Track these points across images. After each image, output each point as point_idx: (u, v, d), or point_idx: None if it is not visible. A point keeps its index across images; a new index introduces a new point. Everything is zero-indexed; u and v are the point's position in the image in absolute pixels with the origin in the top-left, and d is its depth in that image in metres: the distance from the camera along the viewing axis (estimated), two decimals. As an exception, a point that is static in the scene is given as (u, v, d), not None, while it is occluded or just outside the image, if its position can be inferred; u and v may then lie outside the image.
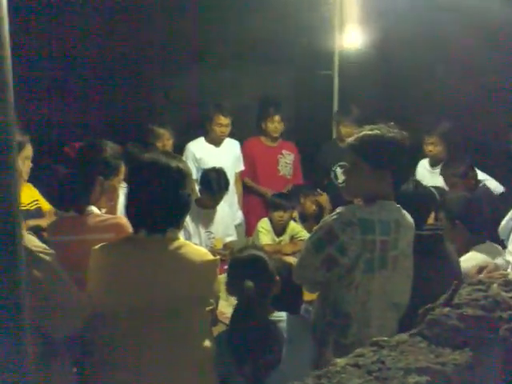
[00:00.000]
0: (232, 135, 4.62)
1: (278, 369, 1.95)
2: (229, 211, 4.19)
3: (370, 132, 2.12)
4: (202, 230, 3.86)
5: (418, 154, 4.37)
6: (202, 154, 4.46)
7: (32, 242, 1.66)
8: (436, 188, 3.01)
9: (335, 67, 5.12)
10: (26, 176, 2.54)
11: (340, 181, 4.66)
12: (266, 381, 1.94)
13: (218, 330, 2.15)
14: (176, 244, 1.82)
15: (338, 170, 4.69)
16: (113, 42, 4.95)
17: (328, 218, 2.09)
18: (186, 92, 5.42)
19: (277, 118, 4.72)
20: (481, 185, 3.74)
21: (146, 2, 5.06)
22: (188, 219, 3.62)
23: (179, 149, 4.39)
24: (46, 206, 3.01)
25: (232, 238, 4.05)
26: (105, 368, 1.80)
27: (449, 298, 0.94)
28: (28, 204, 2.90)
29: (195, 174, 4.09)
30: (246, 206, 4.79)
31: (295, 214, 4.49)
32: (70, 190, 2.17)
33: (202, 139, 4.56)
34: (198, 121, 4.66)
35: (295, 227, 4.30)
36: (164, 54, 5.25)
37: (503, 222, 2.98)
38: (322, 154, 4.95)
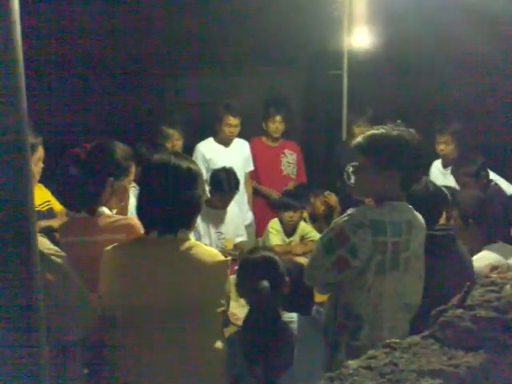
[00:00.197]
0: (239, 136, 4.62)
1: (289, 370, 1.95)
2: (239, 212, 4.19)
3: (376, 131, 2.12)
4: (213, 231, 3.86)
5: (428, 154, 4.35)
6: (211, 154, 4.46)
7: (44, 244, 1.67)
8: (447, 188, 3.00)
9: (344, 67, 5.11)
10: (37, 177, 2.56)
11: (352, 181, 4.65)
12: (277, 382, 1.94)
13: (229, 331, 2.15)
14: (187, 245, 1.83)
15: (351, 170, 4.67)
16: (122, 42, 4.97)
17: (339, 219, 2.09)
18: (195, 92, 5.43)
19: (278, 118, 4.71)
20: (492, 184, 3.71)
21: (155, 2, 5.07)
22: (198, 220, 3.62)
23: (188, 149, 4.40)
24: (57, 206, 3.03)
25: (242, 238, 4.05)
26: (115, 369, 1.80)
27: (461, 300, 0.93)
28: (40, 205, 2.92)
29: (205, 175, 4.09)
30: (255, 207, 4.79)
31: (305, 215, 4.48)
32: (81, 191, 2.18)
33: (211, 139, 4.56)
34: (207, 121, 4.66)
35: (305, 227, 4.29)
36: (173, 54, 5.26)
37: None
38: (335, 154, 4.93)
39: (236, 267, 2.26)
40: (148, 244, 1.84)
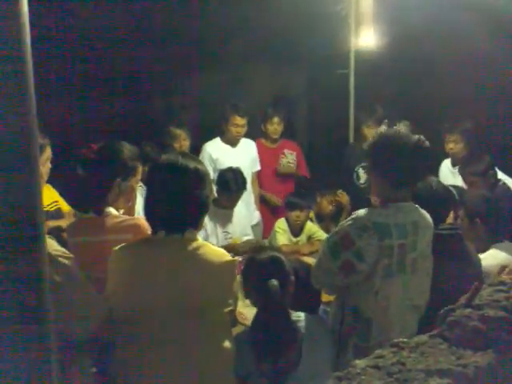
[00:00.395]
0: (246, 136, 4.62)
1: (297, 369, 1.95)
2: (246, 211, 4.19)
3: (378, 134, 2.13)
4: (220, 230, 3.86)
5: (436, 153, 4.33)
6: (218, 154, 4.47)
7: (51, 246, 1.68)
8: (455, 187, 2.99)
9: (351, 66, 5.10)
10: (45, 177, 2.58)
11: (362, 181, 4.64)
12: (285, 381, 1.94)
13: (236, 331, 2.15)
14: (194, 244, 1.83)
15: (361, 171, 4.66)
16: (129, 43, 4.98)
17: (344, 222, 2.09)
18: (202, 92, 5.44)
19: (275, 119, 4.71)
20: (500, 183, 3.70)
21: (160, 2, 5.08)
22: (206, 219, 3.62)
23: (195, 149, 4.41)
24: (65, 207, 3.05)
25: (249, 237, 4.05)
26: (123, 369, 1.81)
27: (470, 299, 0.93)
28: (48, 205, 2.94)
29: (212, 175, 4.09)
30: (262, 207, 4.79)
31: (312, 214, 4.48)
32: (88, 191, 2.19)
33: (218, 140, 4.56)
34: (213, 121, 4.67)
35: (312, 227, 4.28)
36: (180, 54, 5.26)
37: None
38: (345, 154, 4.92)
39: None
40: (156, 244, 1.85)
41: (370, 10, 5.04)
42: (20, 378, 0.70)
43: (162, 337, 1.78)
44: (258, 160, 4.69)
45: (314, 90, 6.01)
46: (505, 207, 3.08)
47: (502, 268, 2.28)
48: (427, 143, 2.09)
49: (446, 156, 4.42)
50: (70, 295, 1.65)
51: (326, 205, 4.47)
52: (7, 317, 0.68)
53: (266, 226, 4.68)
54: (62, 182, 2.93)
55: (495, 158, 3.75)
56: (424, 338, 0.86)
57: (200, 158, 4.14)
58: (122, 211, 2.31)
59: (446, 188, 2.69)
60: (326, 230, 4.03)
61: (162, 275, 1.80)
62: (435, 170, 4.32)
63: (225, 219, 3.89)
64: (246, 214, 4.16)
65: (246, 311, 2.62)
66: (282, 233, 4.20)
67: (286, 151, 4.86)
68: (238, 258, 2.51)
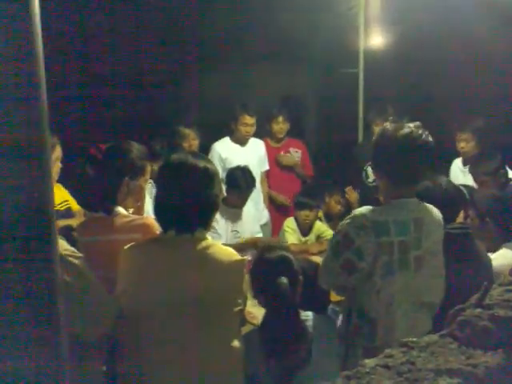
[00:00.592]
0: (255, 135, 4.62)
1: (306, 368, 1.95)
2: (255, 211, 4.19)
3: (378, 137, 2.14)
4: (229, 229, 3.86)
5: (442, 151, 4.31)
6: (227, 153, 4.47)
7: (61, 245, 1.68)
8: (465, 186, 2.97)
9: (360, 65, 5.08)
10: (56, 177, 2.59)
11: (370, 180, 4.63)
12: (294, 380, 1.94)
13: (244, 330, 2.15)
14: (204, 244, 1.83)
15: (369, 170, 4.65)
16: (138, 42, 5.00)
17: (344, 221, 2.10)
18: (211, 92, 5.45)
19: (280, 118, 4.72)
20: (511, 183, 3.67)
21: (171, 2, 5.09)
22: (217, 218, 3.63)
23: (205, 149, 4.42)
24: (75, 206, 3.06)
25: (259, 236, 4.05)
26: (133, 368, 1.82)
27: (480, 299, 0.92)
28: (58, 204, 2.95)
29: (221, 174, 4.10)
30: (270, 206, 4.79)
31: (320, 214, 4.47)
32: (97, 191, 2.20)
33: (227, 139, 4.57)
34: (223, 120, 4.68)
35: (321, 226, 4.28)
36: (190, 54, 5.28)
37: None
38: (355, 153, 4.91)
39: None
40: (165, 243, 1.85)
41: (379, 9, 5.03)
42: (32, 377, 0.71)
43: (171, 336, 1.78)
44: (266, 159, 4.70)
45: (323, 90, 6.00)
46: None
47: (512, 269, 2.27)
48: (430, 140, 2.08)
49: (458, 155, 4.40)
50: (80, 295, 1.65)
51: (335, 204, 4.46)
52: (19, 316, 0.69)
53: (274, 226, 4.68)
54: (72, 181, 2.94)
55: (506, 157, 3.72)
56: (434, 337, 0.86)
57: (209, 157, 4.15)
58: (131, 210, 2.32)
59: (456, 187, 2.67)
60: (335, 230, 4.03)
61: (172, 274, 1.80)
62: (445, 168, 4.30)
63: (234, 218, 3.88)
64: (254, 213, 4.16)
65: (255, 310, 2.62)
66: (291, 232, 4.20)
67: (291, 149, 4.87)
68: (248, 257, 2.51)
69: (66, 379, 0.73)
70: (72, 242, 1.84)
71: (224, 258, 1.83)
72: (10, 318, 0.68)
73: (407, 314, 2.05)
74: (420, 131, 2.06)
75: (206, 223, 1.88)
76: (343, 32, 5.14)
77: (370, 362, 0.75)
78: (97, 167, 2.23)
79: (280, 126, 4.73)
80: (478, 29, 4.07)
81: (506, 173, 3.67)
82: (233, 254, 1.87)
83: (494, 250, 2.76)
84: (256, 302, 2.19)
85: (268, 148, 4.76)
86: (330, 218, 4.52)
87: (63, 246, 1.70)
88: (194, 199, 1.82)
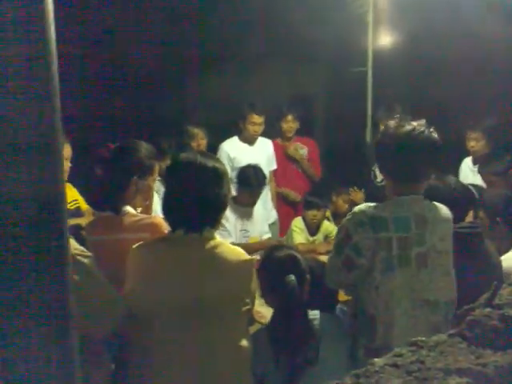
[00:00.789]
0: (263, 135, 4.63)
1: (314, 367, 1.95)
2: (263, 210, 4.19)
3: (379, 136, 2.15)
4: (238, 228, 3.86)
5: (447, 147, 4.29)
6: (235, 153, 4.48)
7: (71, 244, 1.69)
8: (474, 186, 2.95)
9: (369, 64, 5.07)
10: (65, 176, 2.60)
11: (379, 180, 4.62)
12: (302, 378, 1.94)
13: (252, 329, 2.16)
14: (212, 243, 1.84)
15: (377, 170, 4.64)
16: (146, 41, 5.01)
17: (345, 218, 2.11)
18: (219, 91, 5.45)
19: (289, 117, 4.73)
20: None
21: (179, 2, 5.10)
22: (228, 216, 3.63)
23: (213, 148, 4.42)
24: (84, 205, 3.08)
25: (268, 236, 4.05)
26: (141, 366, 1.82)
27: (489, 299, 0.92)
28: (68, 204, 2.97)
29: (229, 174, 4.10)
30: (278, 205, 4.79)
31: (328, 213, 4.47)
32: (105, 190, 2.21)
33: (235, 138, 4.58)
34: (230, 120, 4.68)
35: (329, 226, 4.27)
36: (198, 53, 5.28)
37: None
38: (364, 153, 4.91)
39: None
40: (174, 242, 1.86)
41: (387, 8, 5.01)
42: (43, 375, 0.71)
43: (180, 335, 1.79)
44: (274, 159, 4.71)
45: (332, 89, 5.99)
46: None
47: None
48: (434, 138, 2.06)
49: (467, 154, 4.37)
50: (90, 293, 1.66)
51: (342, 203, 4.45)
52: (30, 313, 0.69)
53: (282, 225, 4.68)
54: (80, 180, 2.96)
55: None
56: (443, 337, 0.86)
57: (217, 156, 4.15)
58: (139, 210, 2.33)
59: (464, 187, 2.66)
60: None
61: (180, 274, 1.80)
62: (453, 166, 4.28)
63: (245, 217, 3.87)
64: (263, 212, 4.16)
65: (263, 309, 2.62)
66: (298, 232, 4.20)
67: (298, 144, 4.87)
68: (256, 257, 2.51)
69: (76, 378, 0.74)
70: (81, 240, 1.85)
71: (232, 258, 1.83)
72: (22, 316, 0.69)
73: (407, 313, 2.02)
74: (422, 129, 2.05)
75: (214, 222, 1.88)
76: (352, 31, 5.13)
77: (379, 361, 0.75)
78: (105, 166, 2.24)
79: (289, 124, 4.74)
80: (489, 27, 4.05)
81: (516, 173, 3.64)
82: (241, 254, 1.87)
83: (506, 250, 2.74)
84: (263, 301, 2.19)
85: (277, 146, 4.77)
86: (338, 218, 4.51)
87: (73, 244, 1.70)
88: (202, 198, 1.82)
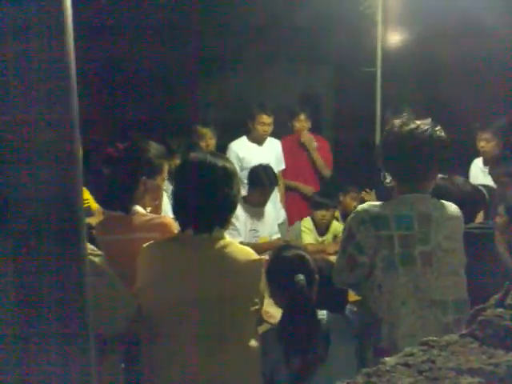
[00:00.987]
0: (272, 135, 4.63)
1: (323, 367, 1.94)
2: (273, 210, 4.19)
3: (382, 136, 2.17)
4: (248, 228, 3.86)
5: (453, 146, 4.26)
6: (244, 153, 4.48)
7: None
8: (485, 187, 2.94)
9: (378, 64, 5.06)
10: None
11: (388, 181, 4.61)
12: (311, 378, 1.94)
13: (262, 329, 2.15)
14: (222, 243, 1.84)
15: None
16: (155, 42, 5.03)
17: (349, 217, 2.12)
18: (228, 91, 5.46)
19: (302, 116, 4.74)
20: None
21: (185, 4, 5.12)
22: (239, 215, 3.64)
23: (222, 148, 4.43)
24: (94, 205, 3.09)
25: (277, 236, 4.05)
26: (151, 365, 1.83)
27: (501, 299, 0.91)
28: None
29: (238, 173, 4.09)
30: (287, 205, 4.79)
31: (337, 214, 4.46)
32: (115, 190, 2.22)
33: (244, 138, 4.58)
34: (239, 120, 4.69)
35: (338, 226, 4.26)
36: (206, 53, 5.29)
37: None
38: (373, 154, 4.90)
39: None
40: (183, 242, 1.86)
41: (396, 8, 5.00)
42: (60, 374, 0.72)
43: (189, 334, 1.79)
44: (283, 158, 4.71)
45: (341, 89, 5.99)
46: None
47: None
48: (439, 136, 2.05)
49: (478, 154, 4.35)
50: (101, 292, 1.66)
51: (350, 202, 4.44)
52: (49, 311, 0.70)
53: (290, 225, 4.67)
54: (90, 180, 2.96)
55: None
56: (454, 337, 0.85)
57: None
58: (148, 209, 2.34)
59: (474, 187, 2.65)
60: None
61: (190, 273, 1.81)
62: (464, 167, 4.26)
63: (256, 216, 3.87)
64: (274, 212, 4.16)
65: (272, 310, 2.62)
66: (307, 232, 4.19)
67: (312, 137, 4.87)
68: (265, 257, 2.51)
69: (93, 377, 0.74)
70: (91, 240, 1.86)
71: (242, 258, 1.83)
72: (40, 314, 0.69)
73: (414, 313, 1.99)
74: (426, 127, 2.04)
75: (224, 222, 1.88)
76: (361, 31, 5.12)
77: (390, 361, 0.75)
78: (114, 166, 2.24)
79: (302, 123, 4.75)
80: (498, 27, 4.02)
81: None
82: (250, 254, 1.87)
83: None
84: (272, 301, 2.19)
85: (287, 140, 4.76)
86: (347, 217, 4.49)
87: None
88: (212, 198, 1.82)
